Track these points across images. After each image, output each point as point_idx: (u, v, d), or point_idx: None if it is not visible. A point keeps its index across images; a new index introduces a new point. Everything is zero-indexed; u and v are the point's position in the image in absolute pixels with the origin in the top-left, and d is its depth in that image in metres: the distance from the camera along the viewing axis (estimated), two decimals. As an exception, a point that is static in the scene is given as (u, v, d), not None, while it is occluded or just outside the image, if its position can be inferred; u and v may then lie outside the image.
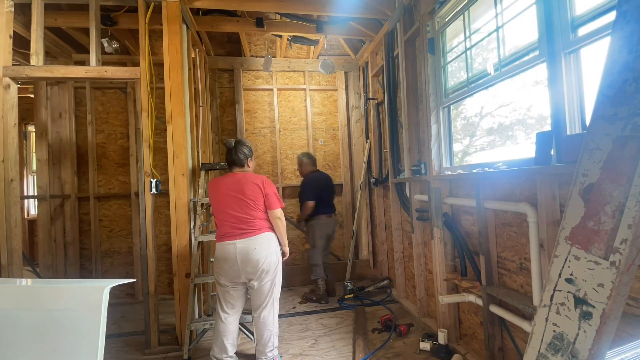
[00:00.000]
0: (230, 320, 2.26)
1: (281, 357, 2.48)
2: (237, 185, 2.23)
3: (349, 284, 3.74)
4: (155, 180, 2.62)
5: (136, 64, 3.49)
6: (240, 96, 4.26)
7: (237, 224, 2.19)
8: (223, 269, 2.19)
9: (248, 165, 2.37)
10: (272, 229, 2.29)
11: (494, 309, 1.96)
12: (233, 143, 2.32)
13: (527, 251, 1.78)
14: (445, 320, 2.50)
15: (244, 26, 3.57)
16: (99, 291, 1.24)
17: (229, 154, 2.31)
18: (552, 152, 1.59)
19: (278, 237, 2.31)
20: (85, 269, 3.87)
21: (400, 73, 3.07)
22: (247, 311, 2.58)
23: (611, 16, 1.36)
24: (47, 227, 3.69)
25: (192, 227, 2.72)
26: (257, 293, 2.23)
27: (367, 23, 3.71)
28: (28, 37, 2.79)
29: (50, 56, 3.71)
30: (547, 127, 1.65)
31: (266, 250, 2.19)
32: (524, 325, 1.73)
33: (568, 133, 1.55)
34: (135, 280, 2.26)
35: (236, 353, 2.34)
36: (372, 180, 4.09)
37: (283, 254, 2.36)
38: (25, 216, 6.07)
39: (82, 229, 3.88)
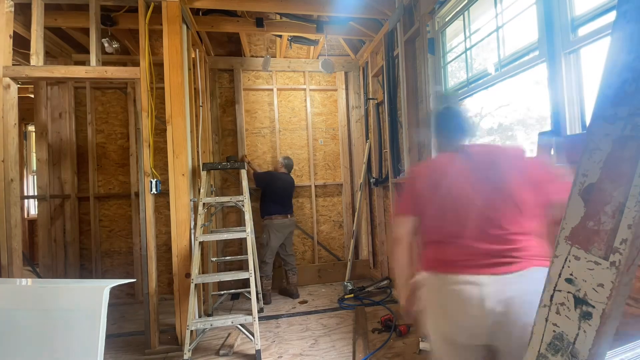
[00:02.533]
0: None
1: (281, 357, 2.48)
2: (491, 167, 1.17)
3: (349, 284, 3.74)
4: (155, 180, 2.62)
5: (136, 64, 3.49)
6: (240, 96, 4.26)
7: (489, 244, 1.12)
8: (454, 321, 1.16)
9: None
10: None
11: (494, 309, 1.95)
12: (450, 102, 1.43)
13: (527, 251, 1.78)
14: (445, 320, 2.49)
15: (244, 26, 3.57)
16: (99, 291, 1.25)
17: (450, 118, 1.38)
18: (552, 152, 1.59)
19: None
20: (85, 269, 3.87)
21: (400, 73, 3.07)
22: (247, 311, 2.58)
23: (611, 16, 1.36)
24: (47, 227, 3.69)
25: (192, 227, 2.72)
26: None
27: (367, 23, 3.71)
28: (28, 37, 2.79)
29: (50, 56, 3.71)
30: (547, 127, 1.65)
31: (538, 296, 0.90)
32: (524, 325, 1.73)
33: (568, 133, 1.55)
34: (135, 280, 2.26)
35: (235, 353, 2.33)
36: (372, 180, 4.09)
37: None
38: (25, 216, 6.07)
39: (82, 229, 3.88)
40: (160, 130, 3.72)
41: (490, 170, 1.16)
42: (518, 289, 1.06)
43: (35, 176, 6.20)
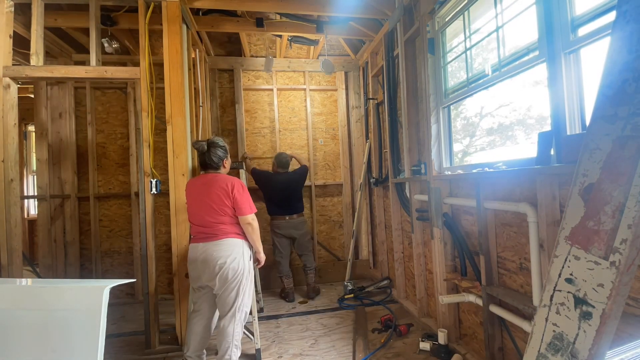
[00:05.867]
0: (194, 321, 2.21)
1: (281, 357, 2.48)
2: (205, 187, 2.17)
3: (349, 284, 3.74)
4: (155, 180, 2.62)
5: (136, 64, 3.49)
6: (240, 96, 4.26)
7: (203, 227, 2.15)
8: (190, 271, 2.21)
9: (224, 167, 2.29)
10: (241, 234, 2.19)
11: (494, 309, 1.96)
12: (206, 147, 2.21)
13: (527, 251, 1.78)
14: (445, 320, 2.50)
15: (244, 26, 3.57)
16: (99, 291, 1.25)
17: (201, 156, 2.23)
18: (552, 152, 1.59)
19: (250, 244, 2.23)
20: (85, 269, 3.87)
21: (400, 73, 3.07)
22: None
23: (611, 16, 1.36)
24: (47, 227, 3.69)
25: (192, 227, 2.73)
26: (219, 301, 2.15)
27: (367, 23, 3.71)
28: (28, 37, 2.79)
29: (50, 56, 3.71)
30: (547, 127, 1.65)
31: (226, 257, 2.09)
32: (524, 325, 1.73)
33: (568, 133, 1.55)
34: (135, 280, 2.26)
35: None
36: (372, 180, 4.09)
37: (258, 261, 2.30)
38: (25, 216, 6.07)
39: (82, 229, 3.88)
40: (160, 130, 3.72)
41: (205, 188, 2.17)
42: (212, 249, 2.09)
43: (35, 176, 6.20)
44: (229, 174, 2.37)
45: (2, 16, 2.52)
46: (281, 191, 3.70)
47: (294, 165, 4.00)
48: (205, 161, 2.22)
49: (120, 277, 3.87)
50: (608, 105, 0.76)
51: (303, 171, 3.85)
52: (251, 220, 2.17)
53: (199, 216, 2.16)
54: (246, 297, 2.19)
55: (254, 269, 2.34)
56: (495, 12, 2.03)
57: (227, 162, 2.32)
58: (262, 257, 2.30)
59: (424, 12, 2.64)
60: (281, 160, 3.76)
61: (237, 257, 2.13)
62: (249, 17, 3.51)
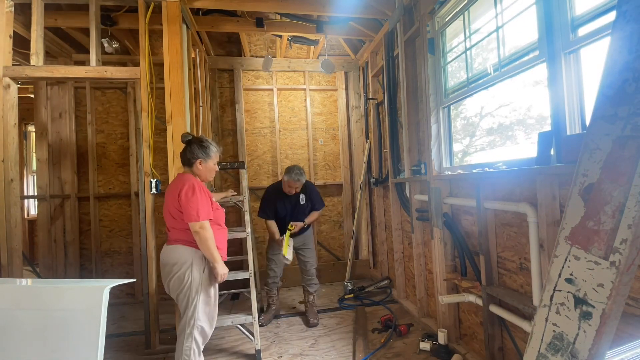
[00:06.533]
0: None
1: (281, 357, 2.48)
2: (169, 188, 2.04)
3: (349, 284, 3.74)
4: (155, 180, 2.62)
5: (136, 64, 3.49)
6: (240, 96, 4.26)
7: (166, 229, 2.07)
8: None
9: (198, 167, 2.03)
10: (193, 242, 1.94)
11: (494, 309, 1.96)
12: (188, 138, 2.07)
13: (527, 251, 1.78)
14: (445, 320, 2.50)
15: (244, 26, 3.57)
16: (99, 291, 1.25)
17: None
18: (552, 152, 1.59)
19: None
20: (85, 269, 3.87)
21: (400, 73, 3.07)
22: (247, 311, 2.58)
23: (611, 16, 1.36)
24: (47, 227, 3.69)
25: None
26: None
27: (367, 23, 3.71)
28: (28, 37, 2.79)
29: (50, 56, 3.71)
30: (547, 127, 1.65)
31: (172, 265, 1.93)
32: (524, 325, 1.73)
33: (568, 133, 1.55)
34: (135, 280, 2.25)
35: (236, 353, 2.35)
36: (372, 180, 4.09)
37: (214, 277, 1.98)
38: (25, 216, 6.07)
39: (82, 229, 3.88)
40: (160, 130, 3.72)
41: (168, 189, 2.06)
42: (163, 255, 2.01)
43: (35, 176, 6.20)
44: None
45: (2, 16, 2.52)
46: (283, 218, 3.16)
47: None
48: (181, 154, 2.08)
49: (120, 277, 3.87)
50: (608, 105, 0.76)
51: (319, 200, 3.30)
52: (198, 228, 1.87)
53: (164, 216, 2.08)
54: (199, 312, 1.94)
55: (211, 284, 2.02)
56: (495, 12, 2.03)
57: (204, 164, 2.04)
58: (220, 271, 1.96)
59: (424, 12, 2.64)
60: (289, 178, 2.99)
61: (184, 268, 1.92)
62: (249, 17, 3.51)
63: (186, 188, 1.91)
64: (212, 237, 1.92)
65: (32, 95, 3.87)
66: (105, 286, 1.26)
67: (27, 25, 2.74)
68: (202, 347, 2.05)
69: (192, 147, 2.03)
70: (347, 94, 4.60)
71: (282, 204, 3.10)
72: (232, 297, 3.75)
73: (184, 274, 1.92)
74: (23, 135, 6.19)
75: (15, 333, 1.27)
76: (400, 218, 3.46)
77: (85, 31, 3.18)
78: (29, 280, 2.04)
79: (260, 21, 3.48)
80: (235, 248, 4.18)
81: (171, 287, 1.97)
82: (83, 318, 1.25)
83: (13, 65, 2.55)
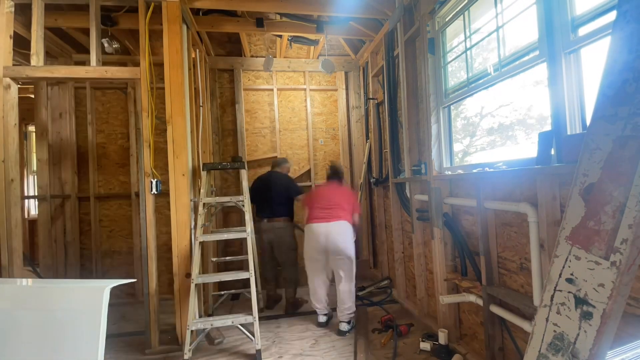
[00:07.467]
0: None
1: (281, 357, 2.48)
2: (330, 187, 3.18)
3: (349, 284, 3.74)
4: (155, 180, 2.62)
5: (136, 64, 3.49)
6: (241, 96, 4.26)
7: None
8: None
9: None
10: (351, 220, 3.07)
11: (495, 309, 1.96)
12: (342, 170, 3.40)
13: (527, 251, 1.78)
14: (446, 320, 2.50)
15: (244, 26, 3.57)
16: (99, 291, 1.25)
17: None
18: (553, 152, 1.59)
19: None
20: (85, 269, 3.87)
21: (401, 73, 3.07)
22: (247, 311, 2.58)
23: (611, 16, 1.36)
24: (48, 227, 3.69)
25: (192, 227, 2.73)
26: None
27: (367, 23, 3.71)
28: (28, 37, 2.79)
29: (51, 56, 3.71)
30: (547, 127, 1.65)
31: (343, 234, 2.93)
32: (525, 325, 1.73)
33: (568, 133, 1.55)
34: (135, 280, 2.25)
35: (236, 353, 2.35)
36: (372, 180, 4.09)
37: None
38: (26, 216, 6.06)
39: (83, 229, 3.88)
40: (160, 130, 3.72)
41: (331, 192, 3.10)
42: (332, 229, 2.86)
43: (35, 176, 6.19)
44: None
45: (3, 16, 2.52)
46: (262, 192, 3.42)
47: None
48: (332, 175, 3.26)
49: (120, 277, 3.85)
50: (608, 105, 0.76)
51: (294, 183, 3.58)
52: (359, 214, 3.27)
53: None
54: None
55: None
56: (496, 12, 2.03)
57: (343, 180, 3.44)
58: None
59: (424, 12, 2.64)
60: (275, 161, 3.66)
61: (350, 233, 2.99)
62: (249, 17, 3.51)
63: (352, 191, 3.38)
64: None
65: (33, 96, 3.86)
66: (106, 286, 1.26)
67: (28, 26, 2.74)
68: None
69: (339, 172, 3.29)
70: (347, 94, 4.60)
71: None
72: (232, 297, 3.75)
73: (351, 237, 2.92)
74: (23, 136, 6.18)
75: (16, 333, 1.27)
76: (401, 218, 3.46)
77: (86, 31, 3.18)
78: (30, 280, 2.04)
79: (260, 21, 3.48)
80: (236, 248, 4.18)
81: (341, 247, 2.83)
82: (83, 318, 1.25)
83: (13, 65, 2.55)
